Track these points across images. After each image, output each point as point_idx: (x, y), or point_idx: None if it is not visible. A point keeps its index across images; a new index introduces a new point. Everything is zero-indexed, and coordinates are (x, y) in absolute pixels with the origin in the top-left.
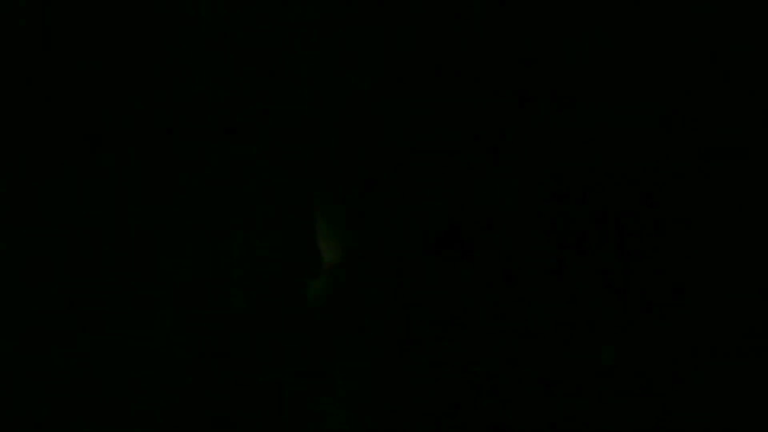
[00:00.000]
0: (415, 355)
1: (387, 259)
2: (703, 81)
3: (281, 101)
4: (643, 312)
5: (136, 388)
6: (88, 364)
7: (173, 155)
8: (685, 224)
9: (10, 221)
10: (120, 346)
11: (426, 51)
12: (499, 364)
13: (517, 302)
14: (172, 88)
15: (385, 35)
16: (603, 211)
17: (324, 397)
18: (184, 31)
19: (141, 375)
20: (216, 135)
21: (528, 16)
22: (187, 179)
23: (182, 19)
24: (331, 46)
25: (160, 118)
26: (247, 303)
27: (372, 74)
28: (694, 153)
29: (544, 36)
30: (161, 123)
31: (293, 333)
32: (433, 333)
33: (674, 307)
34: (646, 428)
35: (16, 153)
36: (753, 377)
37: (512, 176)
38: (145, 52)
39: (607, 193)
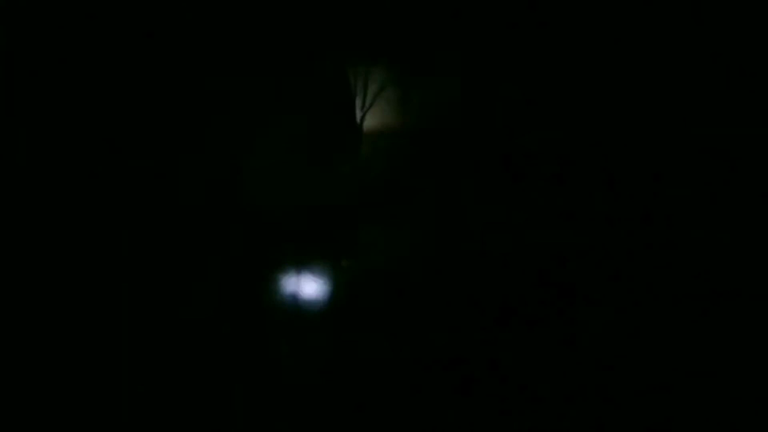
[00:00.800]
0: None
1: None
2: (703, 81)
3: (281, 101)
4: (645, 311)
5: (135, 388)
6: (88, 364)
7: (175, 154)
8: (686, 224)
9: (10, 221)
10: (120, 346)
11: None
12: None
13: (518, 302)
14: (172, 88)
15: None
16: (603, 210)
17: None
18: (184, 30)
19: (141, 375)
20: (216, 134)
21: (528, 18)
22: (188, 179)
23: (182, 19)
24: (332, 46)
25: (159, 118)
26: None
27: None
28: (694, 153)
29: (544, 37)
30: (161, 122)
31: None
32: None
33: (675, 307)
34: (647, 428)
35: (16, 153)
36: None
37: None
38: (145, 51)
39: (608, 193)
